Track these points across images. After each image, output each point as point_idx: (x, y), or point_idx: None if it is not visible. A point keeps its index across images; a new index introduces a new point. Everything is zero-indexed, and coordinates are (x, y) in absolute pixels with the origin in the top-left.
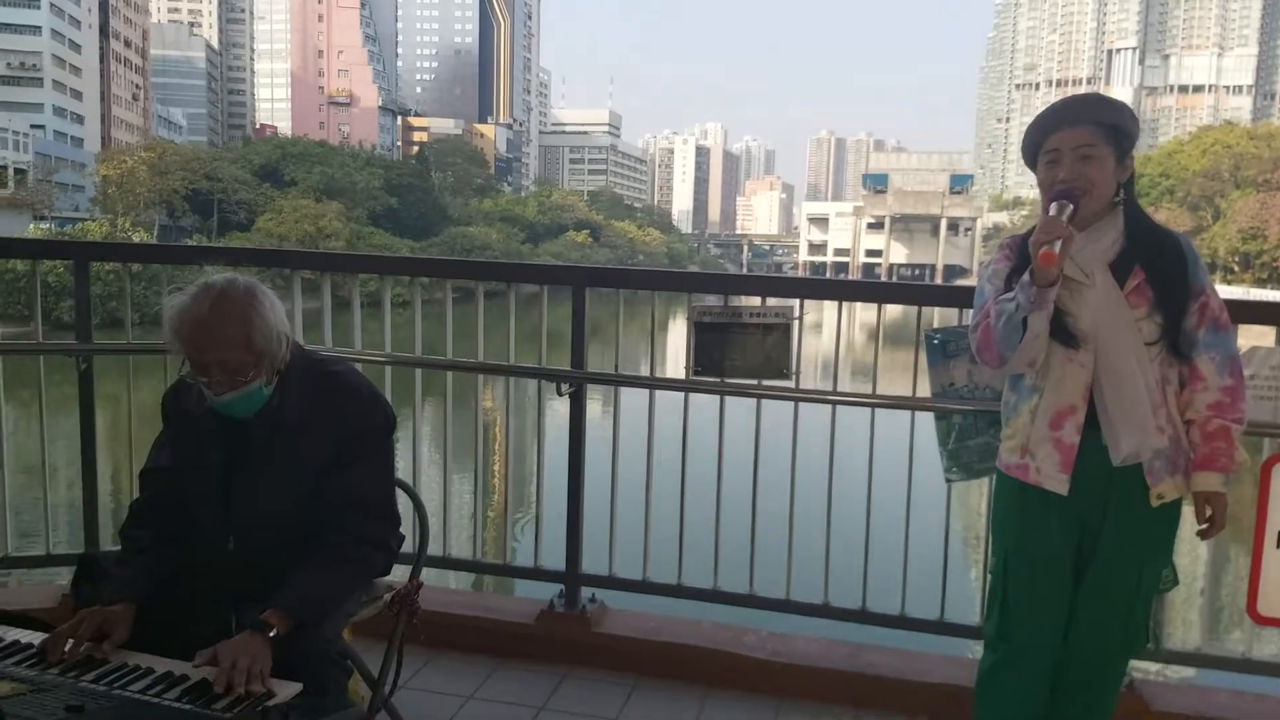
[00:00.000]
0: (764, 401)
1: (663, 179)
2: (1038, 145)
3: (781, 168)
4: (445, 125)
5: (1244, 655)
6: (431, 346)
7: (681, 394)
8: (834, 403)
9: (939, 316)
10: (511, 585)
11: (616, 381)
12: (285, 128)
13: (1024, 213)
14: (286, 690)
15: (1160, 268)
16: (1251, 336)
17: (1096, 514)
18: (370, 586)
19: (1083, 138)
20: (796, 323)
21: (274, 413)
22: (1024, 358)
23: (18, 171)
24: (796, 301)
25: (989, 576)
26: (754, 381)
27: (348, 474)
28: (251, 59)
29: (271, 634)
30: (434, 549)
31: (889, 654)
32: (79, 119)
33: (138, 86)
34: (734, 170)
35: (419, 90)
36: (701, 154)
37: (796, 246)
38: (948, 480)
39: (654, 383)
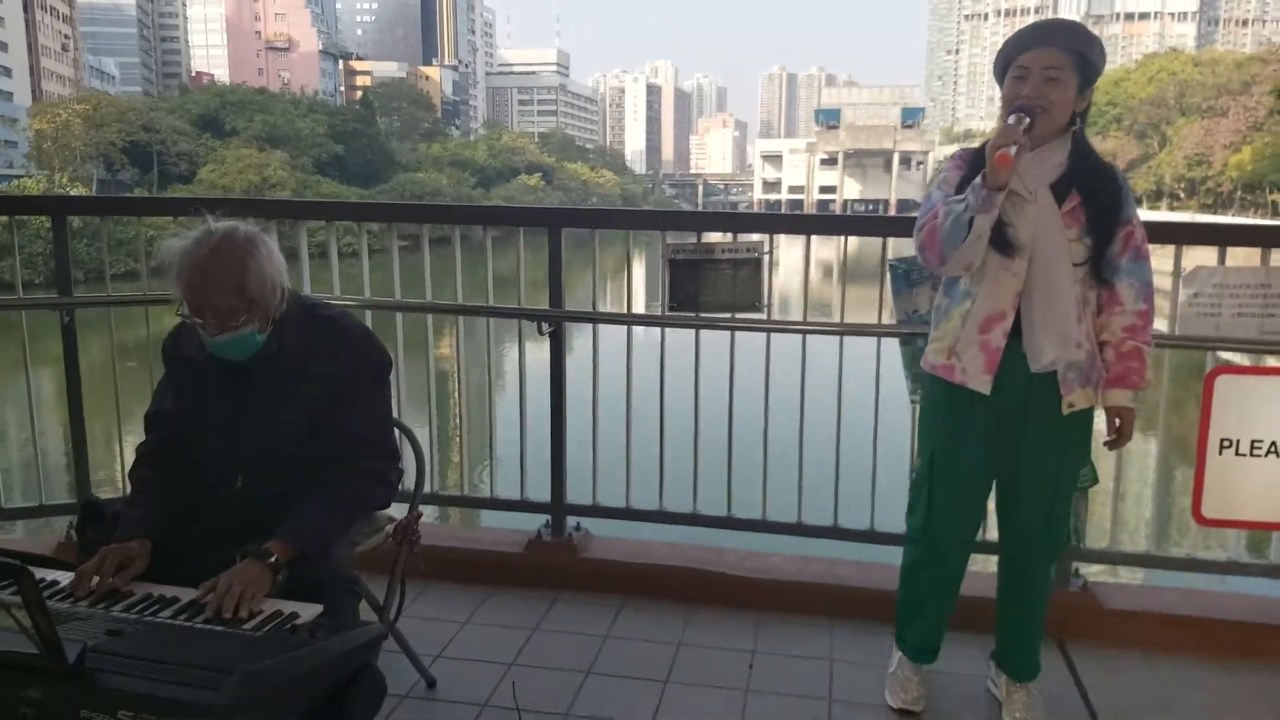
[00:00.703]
0: (737, 334)
1: (614, 119)
2: (1009, 60)
3: (734, 105)
4: (389, 69)
5: (1189, 555)
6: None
7: (658, 329)
8: (804, 332)
9: (894, 247)
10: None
11: (595, 319)
12: (222, 75)
13: (974, 144)
14: (309, 611)
15: (1096, 195)
16: (1195, 258)
17: (1016, 418)
18: (372, 519)
19: (1052, 59)
20: (766, 257)
21: (272, 356)
22: (963, 259)
23: None
24: (765, 237)
25: (913, 475)
26: (728, 315)
27: (347, 412)
28: (184, 4)
29: (271, 560)
30: (424, 487)
31: (860, 567)
32: (6, 71)
33: (66, 36)
34: (686, 109)
35: (360, 33)
36: (653, 93)
37: (751, 185)
38: (912, 401)
39: (631, 319)
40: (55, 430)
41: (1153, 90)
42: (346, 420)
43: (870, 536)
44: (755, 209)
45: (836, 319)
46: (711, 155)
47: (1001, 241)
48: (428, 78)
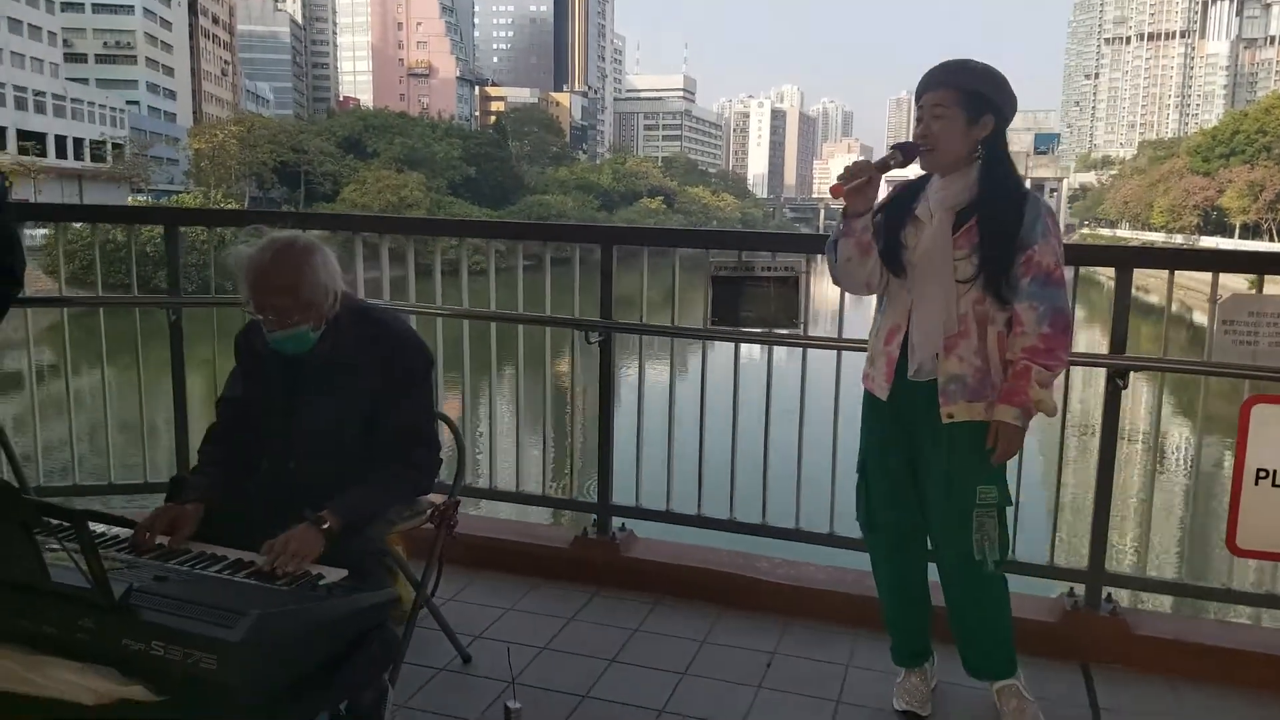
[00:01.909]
0: (775, 348)
1: (738, 144)
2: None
3: (860, 130)
4: (521, 94)
5: (1224, 586)
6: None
7: (700, 342)
8: (839, 348)
9: None
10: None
11: (641, 331)
12: (367, 100)
13: (1113, 172)
14: (334, 574)
15: (991, 218)
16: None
17: (914, 425)
18: (415, 503)
19: (937, 98)
20: (804, 276)
21: (327, 352)
22: (846, 278)
23: (115, 146)
24: (803, 256)
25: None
26: (766, 330)
27: (394, 407)
28: (334, 33)
29: (324, 526)
30: (481, 483)
31: None
32: (171, 94)
33: (226, 62)
34: (810, 133)
35: (495, 60)
36: (778, 117)
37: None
38: None
39: (676, 331)
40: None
41: None
42: (393, 413)
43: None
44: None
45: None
46: (835, 180)
47: (893, 261)
48: (558, 103)
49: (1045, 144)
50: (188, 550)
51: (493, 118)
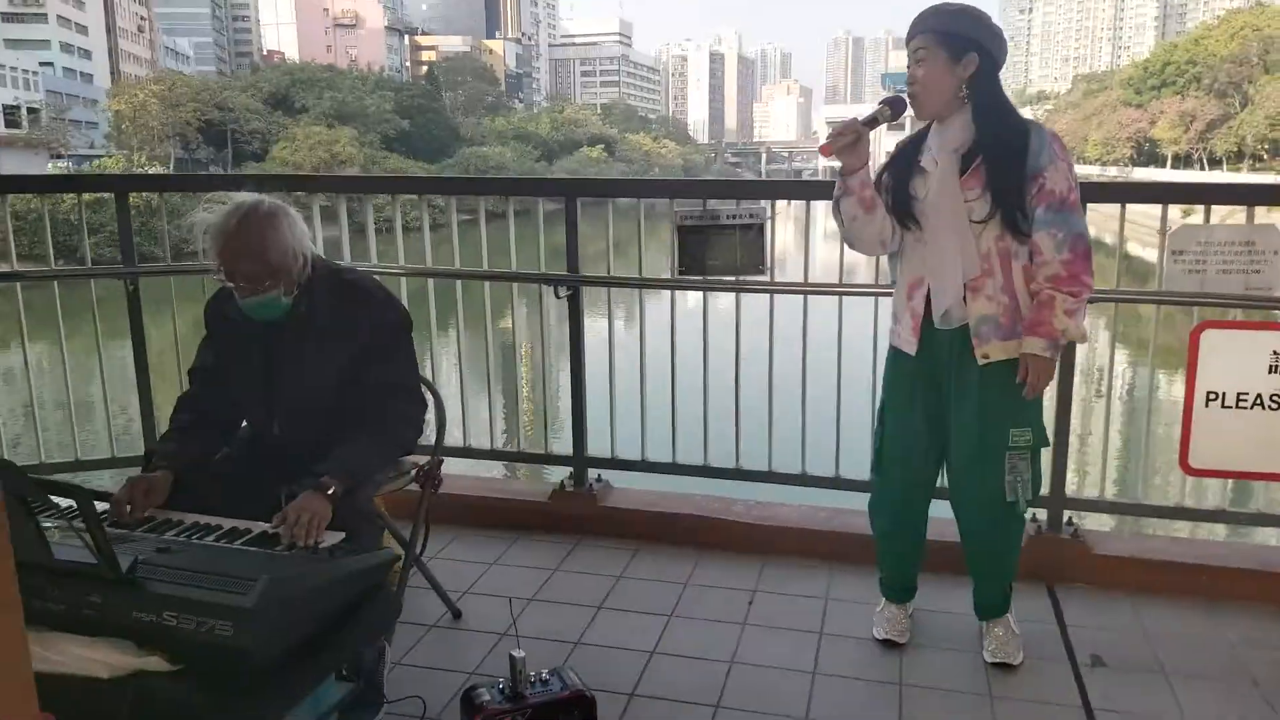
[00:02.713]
0: (743, 295)
1: (677, 89)
2: None
3: (799, 71)
4: (453, 43)
5: (1177, 504)
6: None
7: (668, 292)
8: (805, 293)
9: None
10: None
11: (609, 283)
12: (292, 53)
13: (1049, 106)
14: (332, 538)
15: (996, 153)
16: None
17: (944, 375)
18: (399, 463)
19: (918, 43)
20: (769, 222)
21: (303, 316)
22: (857, 238)
23: (30, 111)
24: (767, 203)
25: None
26: (733, 278)
27: (375, 365)
28: None
29: (330, 492)
30: (456, 441)
31: (861, 515)
32: (86, 54)
33: (142, 18)
34: (750, 76)
35: (425, 8)
36: (716, 61)
37: (815, 152)
38: None
39: (643, 282)
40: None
41: (1235, 47)
42: (375, 371)
43: (870, 486)
44: (820, 177)
45: (836, 279)
46: (775, 123)
47: (904, 214)
48: (491, 51)
49: None
50: (182, 520)
51: (424, 68)
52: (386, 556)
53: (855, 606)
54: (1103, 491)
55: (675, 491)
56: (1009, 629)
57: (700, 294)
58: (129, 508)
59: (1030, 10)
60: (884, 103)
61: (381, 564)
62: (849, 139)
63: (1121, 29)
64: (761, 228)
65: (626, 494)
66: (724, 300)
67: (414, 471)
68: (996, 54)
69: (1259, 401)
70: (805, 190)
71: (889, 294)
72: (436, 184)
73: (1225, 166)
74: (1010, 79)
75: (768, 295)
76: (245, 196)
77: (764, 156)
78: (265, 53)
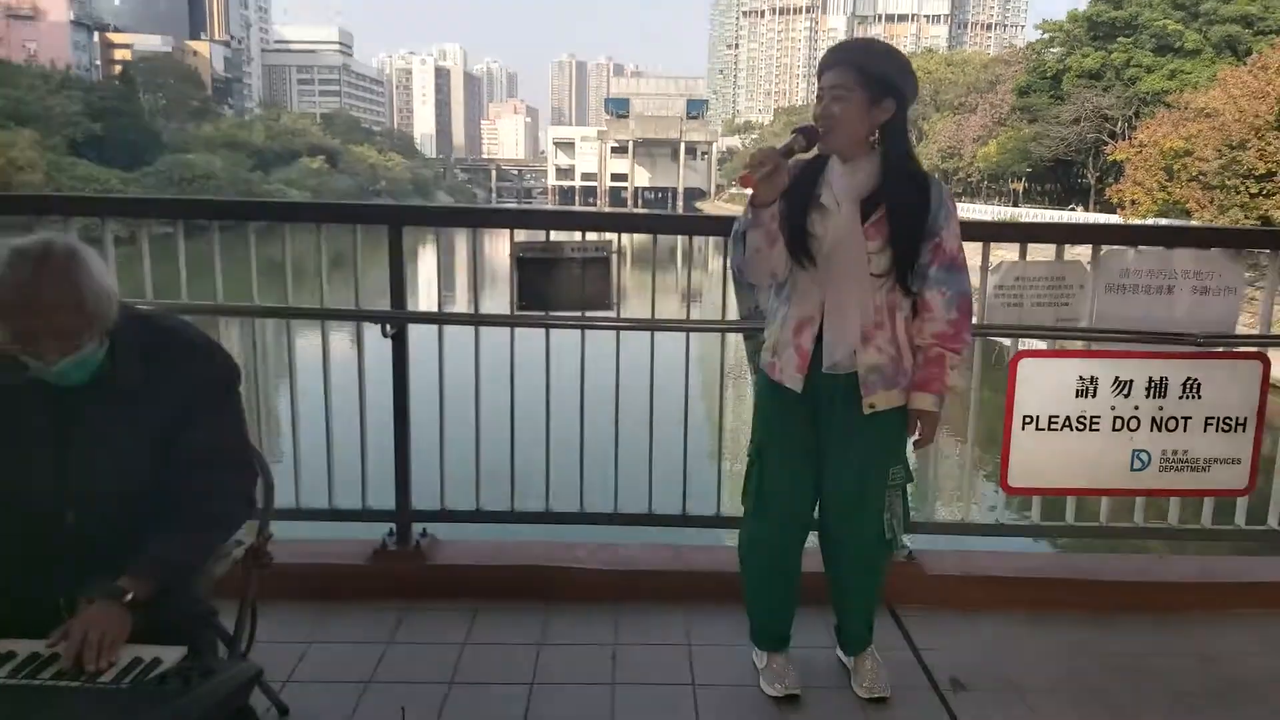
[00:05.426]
0: (588, 332)
1: (402, 101)
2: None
3: (525, 91)
4: (151, 42)
5: (997, 521)
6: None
7: (507, 329)
8: (652, 329)
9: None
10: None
11: (441, 320)
12: None
13: (754, 136)
14: (172, 655)
15: (901, 208)
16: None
17: (826, 414)
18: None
19: (836, 78)
20: (615, 256)
21: (107, 377)
22: (753, 269)
23: None
24: (614, 235)
25: (747, 460)
26: (578, 314)
27: (198, 430)
28: None
29: (127, 599)
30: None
31: (709, 551)
32: None
33: None
34: (476, 93)
35: (117, 3)
36: (442, 75)
37: (545, 171)
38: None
39: (479, 319)
40: None
41: None
42: (198, 438)
43: (718, 521)
44: (550, 195)
45: (683, 315)
46: (504, 141)
47: (802, 252)
48: (196, 53)
49: (696, 110)
50: None
51: (118, 68)
52: (248, 673)
53: (719, 650)
54: (932, 515)
55: (512, 540)
56: (875, 660)
57: (542, 330)
58: None
59: (737, 46)
60: (797, 131)
61: (245, 684)
62: (768, 169)
63: (814, 67)
64: (608, 261)
65: (458, 547)
66: (569, 337)
67: (239, 551)
68: (910, 100)
69: (1067, 423)
70: (656, 224)
71: (735, 330)
72: (228, 208)
73: None
74: (721, 109)
75: (614, 331)
76: (27, 240)
77: (494, 174)
78: None
